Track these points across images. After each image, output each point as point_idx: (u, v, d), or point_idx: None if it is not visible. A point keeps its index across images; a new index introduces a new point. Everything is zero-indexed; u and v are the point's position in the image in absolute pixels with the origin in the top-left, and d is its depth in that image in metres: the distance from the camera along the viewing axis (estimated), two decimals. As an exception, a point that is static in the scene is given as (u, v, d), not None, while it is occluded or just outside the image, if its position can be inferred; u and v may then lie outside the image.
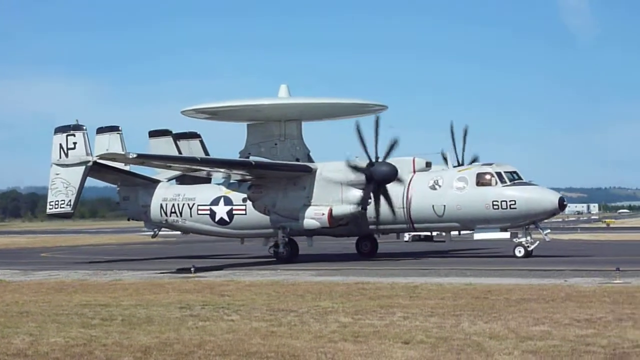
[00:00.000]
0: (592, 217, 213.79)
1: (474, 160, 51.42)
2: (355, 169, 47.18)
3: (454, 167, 50.07)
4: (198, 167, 48.21)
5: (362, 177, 47.33)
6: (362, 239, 53.93)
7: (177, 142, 55.54)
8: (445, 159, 50.72)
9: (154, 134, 56.58)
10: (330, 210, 47.71)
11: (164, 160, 48.52)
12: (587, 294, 26.07)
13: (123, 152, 45.32)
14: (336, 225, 48.29)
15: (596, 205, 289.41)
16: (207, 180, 54.19)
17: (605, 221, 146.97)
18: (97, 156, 49.76)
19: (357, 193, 47.80)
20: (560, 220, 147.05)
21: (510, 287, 28.76)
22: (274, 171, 48.49)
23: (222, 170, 48.57)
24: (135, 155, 44.35)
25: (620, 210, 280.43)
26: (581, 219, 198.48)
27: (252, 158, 49.86)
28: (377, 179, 47.50)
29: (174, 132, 57.13)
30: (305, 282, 33.06)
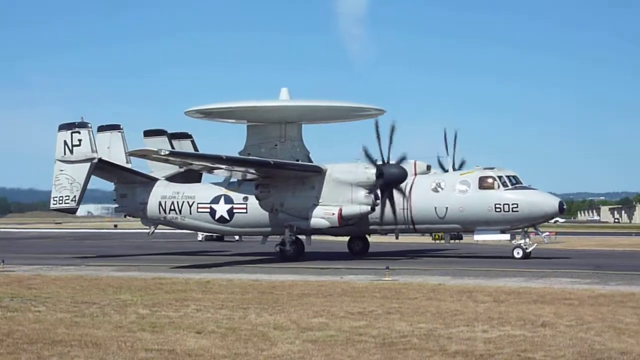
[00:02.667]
0: None
1: (462, 163, 51.35)
2: (368, 170, 46.27)
3: (445, 171, 49.84)
4: (220, 165, 46.96)
5: (372, 179, 46.32)
6: (353, 238, 53.26)
7: (171, 142, 54.05)
8: (440, 164, 50.70)
9: (149, 133, 55.07)
10: (340, 210, 46.58)
11: (192, 158, 47.65)
12: (360, 290, 27.44)
13: (155, 149, 44.03)
14: (344, 224, 47.32)
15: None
16: (197, 179, 53.37)
17: None
18: (128, 152, 49.47)
19: (367, 194, 46.77)
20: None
21: (292, 283, 29.45)
22: (285, 171, 47.45)
23: (241, 168, 47.60)
24: (167, 152, 43.66)
25: None
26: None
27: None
28: (387, 180, 46.65)
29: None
30: (107, 277, 33.33)
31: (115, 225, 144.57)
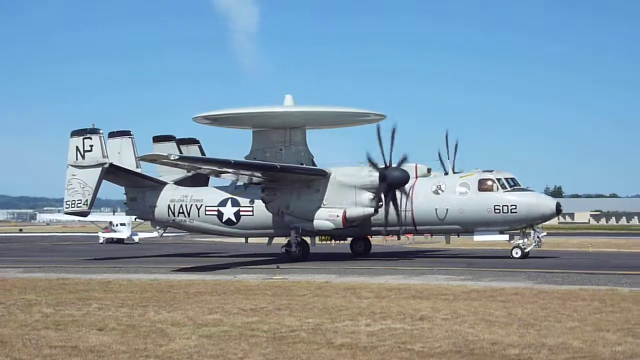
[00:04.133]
0: None
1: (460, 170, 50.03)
2: (371, 173, 45.71)
3: (445, 173, 49.12)
4: (227, 169, 46.56)
5: (376, 181, 45.74)
6: (356, 239, 52.62)
7: (179, 147, 54.06)
8: (443, 166, 49.72)
9: (157, 139, 54.90)
10: (345, 212, 46.00)
11: (200, 162, 47.22)
12: (252, 288, 28.00)
13: (165, 154, 43.76)
14: (348, 226, 46.90)
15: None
16: (205, 183, 53.34)
17: None
18: (138, 157, 49.37)
19: (370, 196, 46.10)
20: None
21: (189, 282, 29.59)
22: (290, 174, 47.03)
23: (248, 172, 47.17)
24: (177, 157, 43.30)
25: None
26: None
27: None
28: (390, 183, 45.95)
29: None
30: (12, 278, 32.89)
31: (20, 230, 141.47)
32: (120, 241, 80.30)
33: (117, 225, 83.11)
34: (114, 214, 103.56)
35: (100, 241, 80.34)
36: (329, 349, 16.36)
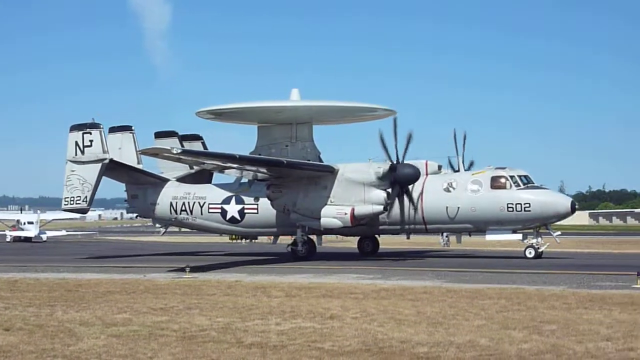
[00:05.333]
0: None
1: (472, 164, 49.39)
2: (381, 170, 44.56)
3: (455, 171, 48.25)
4: (232, 164, 45.59)
5: (385, 178, 44.64)
6: (363, 238, 51.57)
7: (182, 143, 53.08)
8: (451, 164, 48.89)
9: (159, 134, 54.00)
10: (353, 209, 44.86)
11: (204, 157, 46.31)
12: (162, 287, 28.05)
13: (167, 148, 42.66)
14: (357, 224, 45.79)
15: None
16: (208, 180, 52.38)
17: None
18: (139, 151, 48.12)
19: (380, 193, 44.89)
20: (139, 224, 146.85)
21: (97, 282, 29.54)
22: (297, 170, 45.92)
23: (254, 167, 46.24)
24: (179, 151, 42.33)
25: None
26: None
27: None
28: (400, 180, 44.78)
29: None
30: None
31: None
32: (28, 239, 79.15)
33: (24, 223, 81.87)
34: (21, 212, 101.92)
35: (8, 239, 78.97)
36: (239, 348, 16.44)
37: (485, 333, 17.84)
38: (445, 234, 53.51)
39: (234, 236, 60.93)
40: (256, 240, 59.26)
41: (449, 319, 19.97)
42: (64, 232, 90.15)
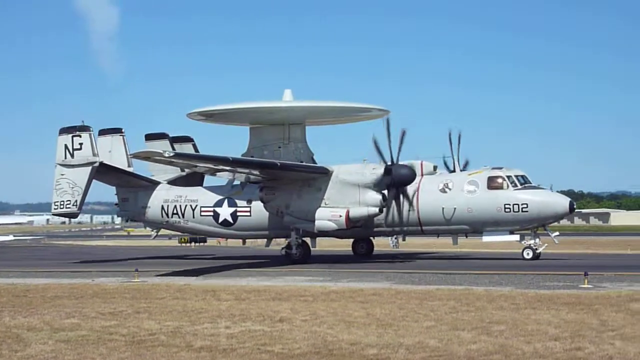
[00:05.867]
0: (116, 226, 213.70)
1: (467, 163, 48.98)
2: (376, 171, 43.97)
3: (450, 171, 47.86)
4: (225, 167, 44.88)
5: (380, 179, 43.95)
6: (358, 240, 51.17)
7: (172, 145, 52.72)
8: (446, 164, 48.52)
9: (150, 137, 53.44)
10: (348, 212, 44.21)
11: (197, 160, 45.45)
12: (111, 291, 27.55)
13: (160, 151, 41.61)
14: (352, 227, 45.20)
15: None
16: (199, 182, 52.03)
17: (126, 230, 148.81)
18: (131, 154, 46.88)
19: (375, 195, 44.28)
20: (88, 228, 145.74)
21: (45, 286, 29.21)
22: (291, 172, 45.37)
23: (247, 170, 45.61)
24: (172, 154, 41.96)
25: None
26: (107, 227, 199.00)
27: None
28: (395, 181, 44.11)
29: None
30: None
31: None
32: None
33: None
34: None
35: None
36: (189, 352, 16.45)
37: (435, 334, 17.97)
38: (394, 236, 53.37)
39: (183, 239, 60.55)
40: (205, 244, 59.00)
41: (398, 320, 20.15)
42: (11, 237, 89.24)
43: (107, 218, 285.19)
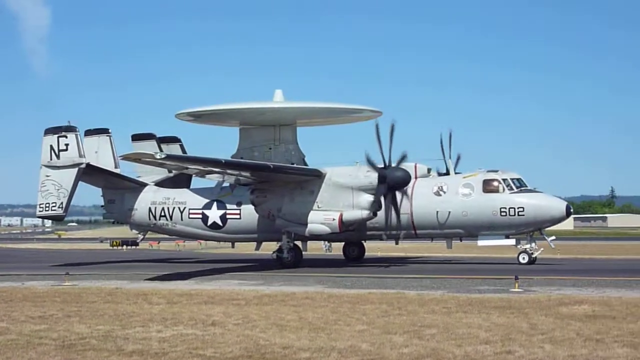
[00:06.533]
0: (47, 229, 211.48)
1: (459, 158, 47.95)
2: (370, 174, 43.32)
3: (443, 174, 47.14)
4: (215, 169, 44.13)
5: (375, 182, 43.31)
6: (349, 244, 50.76)
7: (160, 146, 52.17)
8: (437, 170, 47.76)
9: (137, 137, 52.76)
10: (341, 215, 43.65)
11: (189, 162, 44.32)
12: (41, 295, 27.46)
13: (150, 152, 41.22)
14: (345, 230, 44.74)
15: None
16: (187, 184, 51.29)
17: (57, 232, 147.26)
18: (120, 156, 46.97)
19: (369, 198, 43.63)
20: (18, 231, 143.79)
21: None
22: (283, 175, 44.81)
23: (239, 172, 44.56)
24: (164, 156, 40.76)
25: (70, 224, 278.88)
26: (37, 230, 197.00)
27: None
28: (390, 183, 43.41)
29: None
30: None
31: None
32: None
33: None
34: None
35: None
36: (120, 356, 16.44)
37: (367, 338, 18.04)
38: (326, 242, 53.36)
39: (115, 242, 60.19)
40: (137, 247, 58.55)
41: (330, 324, 20.21)
42: None
43: (37, 221, 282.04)
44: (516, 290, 28.50)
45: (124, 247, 79.88)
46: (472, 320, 20.61)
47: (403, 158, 43.15)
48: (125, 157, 41.74)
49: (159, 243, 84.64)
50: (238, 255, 57.18)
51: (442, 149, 46.80)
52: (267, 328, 19.69)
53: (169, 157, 42.31)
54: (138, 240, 57.30)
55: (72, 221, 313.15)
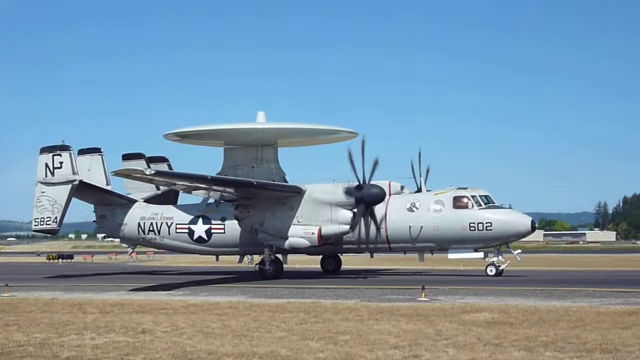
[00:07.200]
0: None
1: (428, 170, 47.90)
2: (348, 190, 43.48)
3: (417, 191, 47.06)
4: (204, 185, 44.12)
5: (352, 199, 43.49)
6: (326, 257, 50.46)
7: (149, 164, 52.01)
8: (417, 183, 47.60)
9: (127, 157, 52.35)
10: (320, 229, 43.72)
11: (177, 178, 44.08)
12: None
13: (141, 169, 41.41)
14: (323, 243, 44.72)
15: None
16: (174, 201, 51.19)
17: None
18: (112, 172, 46.22)
19: (347, 213, 43.81)
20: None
21: None
22: (265, 191, 44.81)
23: (224, 188, 44.50)
24: (153, 172, 40.93)
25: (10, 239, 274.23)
26: None
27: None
28: (367, 200, 43.55)
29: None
30: None
31: None
32: None
33: None
34: None
35: None
36: (55, 363, 16.02)
37: (286, 344, 18.11)
38: (248, 254, 53.52)
39: (51, 255, 59.55)
40: (72, 260, 57.92)
41: (252, 331, 20.22)
42: None
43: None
44: (423, 299, 28.87)
45: (60, 260, 78.94)
46: (383, 326, 20.72)
47: (374, 168, 43.13)
48: (117, 173, 41.68)
49: (92, 257, 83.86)
50: (219, 268, 57.08)
51: (413, 169, 47.23)
52: (193, 335, 19.62)
53: (158, 173, 42.37)
54: (128, 254, 57.03)
55: (12, 236, 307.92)
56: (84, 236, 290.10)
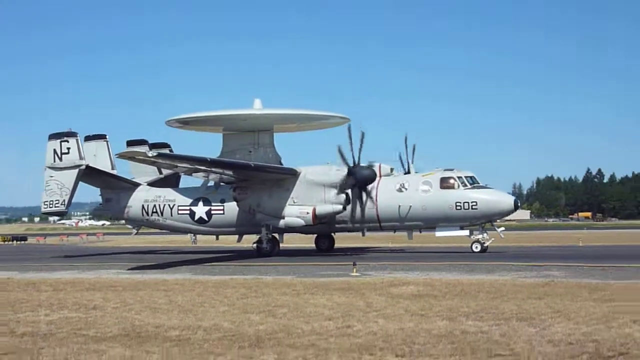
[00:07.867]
0: None
1: (414, 148, 47.60)
2: (340, 172, 43.27)
3: (405, 173, 46.77)
4: (205, 167, 43.65)
5: (344, 179, 43.28)
6: (320, 236, 49.98)
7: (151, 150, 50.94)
8: (403, 165, 47.10)
9: (131, 143, 51.52)
10: (314, 209, 43.55)
11: (179, 160, 43.55)
12: None
13: (144, 151, 41.25)
14: (318, 223, 44.53)
15: None
16: (175, 184, 50.74)
17: None
18: (116, 154, 44.59)
19: (339, 194, 43.66)
20: None
21: None
22: (262, 173, 44.59)
23: (223, 170, 44.05)
24: (155, 154, 40.81)
25: None
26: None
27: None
28: (358, 181, 43.63)
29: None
30: None
31: None
32: None
33: None
34: None
35: None
36: (12, 337, 15.98)
37: (228, 317, 18.10)
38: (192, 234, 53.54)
39: (6, 238, 58.59)
40: (25, 242, 57.05)
41: (197, 306, 20.16)
42: None
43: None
44: (354, 274, 29.26)
45: (14, 242, 77.75)
46: (318, 300, 20.81)
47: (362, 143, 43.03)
48: (121, 155, 41.43)
49: (45, 238, 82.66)
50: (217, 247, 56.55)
51: (400, 158, 46.95)
52: (141, 310, 19.53)
53: (160, 155, 42.16)
54: (133, 234, 57.22)
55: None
56: (36, 219, 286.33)
